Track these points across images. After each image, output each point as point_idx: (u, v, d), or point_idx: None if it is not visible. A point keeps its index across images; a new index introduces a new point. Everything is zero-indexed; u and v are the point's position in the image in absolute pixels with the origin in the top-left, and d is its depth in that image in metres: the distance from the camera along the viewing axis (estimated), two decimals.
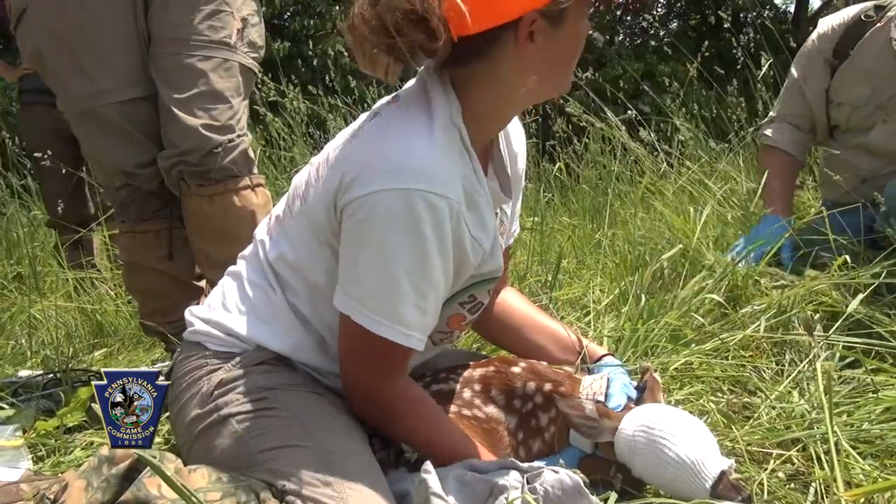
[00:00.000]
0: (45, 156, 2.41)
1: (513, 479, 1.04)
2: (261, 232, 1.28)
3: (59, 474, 1.13)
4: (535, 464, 1.09)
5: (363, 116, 1.20)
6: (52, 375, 1.89)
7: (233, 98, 1.76)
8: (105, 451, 1.04)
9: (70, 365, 2.07)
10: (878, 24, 2.05)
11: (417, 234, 1.02)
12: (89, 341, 2.36)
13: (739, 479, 1.16)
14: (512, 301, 1.45)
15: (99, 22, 1.70)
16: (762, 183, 2.27)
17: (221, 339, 1.20)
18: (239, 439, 1.09)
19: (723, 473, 1.07)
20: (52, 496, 1.02)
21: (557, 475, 1.05)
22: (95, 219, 3.23)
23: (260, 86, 4.01)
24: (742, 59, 3.24)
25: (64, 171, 2.92)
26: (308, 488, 0.99)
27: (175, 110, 1.70)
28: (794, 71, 2.22)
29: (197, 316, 1.25)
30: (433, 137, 1.06)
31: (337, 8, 8.78)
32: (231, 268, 1.30)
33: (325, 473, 1.01)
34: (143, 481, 0.98)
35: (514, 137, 1.30)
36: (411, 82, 1.19)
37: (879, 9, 2.08)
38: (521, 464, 1.08)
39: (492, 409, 1.22)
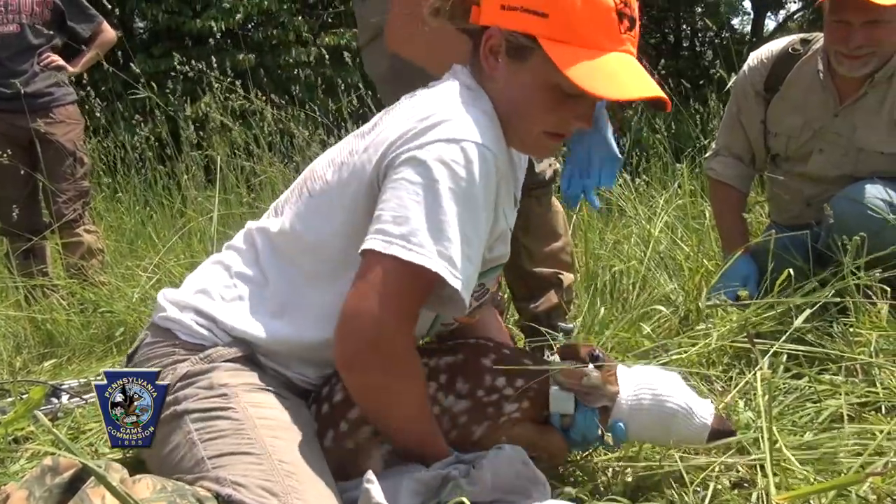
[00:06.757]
0: (5, 154, 2.36)
1: (461, 468, 1.10)
2: (257, 224, 1.25)
3: (2, 486, 1.11)
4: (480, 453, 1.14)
5: (380, 113, 1.22)
6: None
7: None
8: (49, 460, 1.02)
9: (19, 376, 2.02)
10: (805, 57, 2.11)
11: (468, 180, 1.06)
12: (39, 351, 2.31)
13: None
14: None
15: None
16: (715, 217, 2.37)
17: (193, 331, 1.17)
18: (191, 441, 1.08)
19: (715, 411, 1.25)
20: None
21: (500, 450, 1.12)
22: (48, 227, 3.16)
23: (228, 94, 3.99)
24: (715, 73, 3.30)
25: (23, 171, 2.87)
26: (254, 498, 0.98)
27: None
28: (731, 104, 2.28)
29: (170, 301, 1.22)
30: (480, 109, 1.13)
31: (300, 18, 8.73)
32: (216, 256, 1.27)
33: (272, 482, 1.00)
34: (86, 492, 0.96)
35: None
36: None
37: (805, 42, 2.14)
38: (465, 455, 1.13)
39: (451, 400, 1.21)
